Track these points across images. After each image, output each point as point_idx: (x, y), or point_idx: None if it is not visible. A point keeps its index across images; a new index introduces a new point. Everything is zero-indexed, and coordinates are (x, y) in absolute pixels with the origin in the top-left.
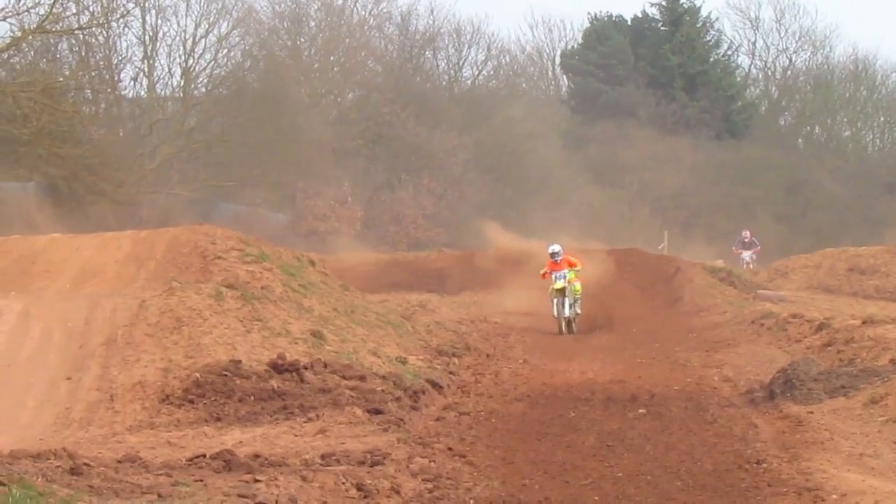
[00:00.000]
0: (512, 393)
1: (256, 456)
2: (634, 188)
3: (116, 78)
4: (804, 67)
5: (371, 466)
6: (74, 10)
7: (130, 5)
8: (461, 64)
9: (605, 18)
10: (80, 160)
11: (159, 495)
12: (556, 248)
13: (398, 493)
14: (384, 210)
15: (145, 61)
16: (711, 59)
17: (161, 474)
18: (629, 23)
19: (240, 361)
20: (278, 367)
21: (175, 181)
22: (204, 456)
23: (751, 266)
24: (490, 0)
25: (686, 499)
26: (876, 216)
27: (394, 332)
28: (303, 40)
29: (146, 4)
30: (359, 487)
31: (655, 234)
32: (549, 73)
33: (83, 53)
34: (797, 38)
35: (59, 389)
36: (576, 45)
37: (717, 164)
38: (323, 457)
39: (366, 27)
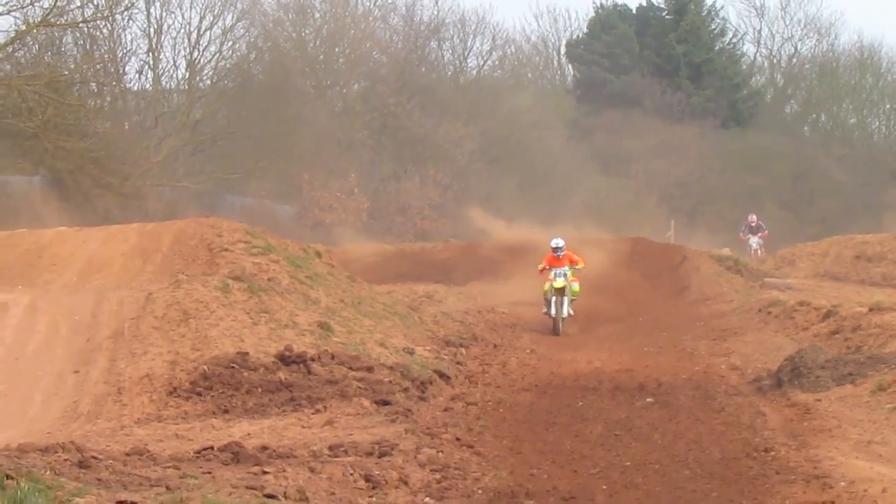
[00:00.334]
0: (519, 383)
1: (264, 448)
2: (640, 177)
3: (121, 71)
4: (809, 55)
5: (379, 457)
6: (79, 3)
7: None
8: (466, 54)
9: (610, 8)
10: (85, 153)
11: (167, 488)
12: (559, 242)
13: (406, 483)
14: (390, 201)
15: (150, 54)
16: (717, 48)
17: (169, 467)
18: (634, 12)
19: (247, 353)
20: (286, 359)
21: (181, 174)
22: (212, 448)
23: (759, 253)
24: None
25: (694, 487)
26: (882, 203)
27: (401, 323)
28: (308, 32)
29: None
30: (367, 478)
31: (662, 222)
32: (555, 62)
33: (88, 46)
34: (802, 26)
35: (66, 383)
36: (581, 35)
37: (723, 153)
38: (331, 448)
39: (370, 18)
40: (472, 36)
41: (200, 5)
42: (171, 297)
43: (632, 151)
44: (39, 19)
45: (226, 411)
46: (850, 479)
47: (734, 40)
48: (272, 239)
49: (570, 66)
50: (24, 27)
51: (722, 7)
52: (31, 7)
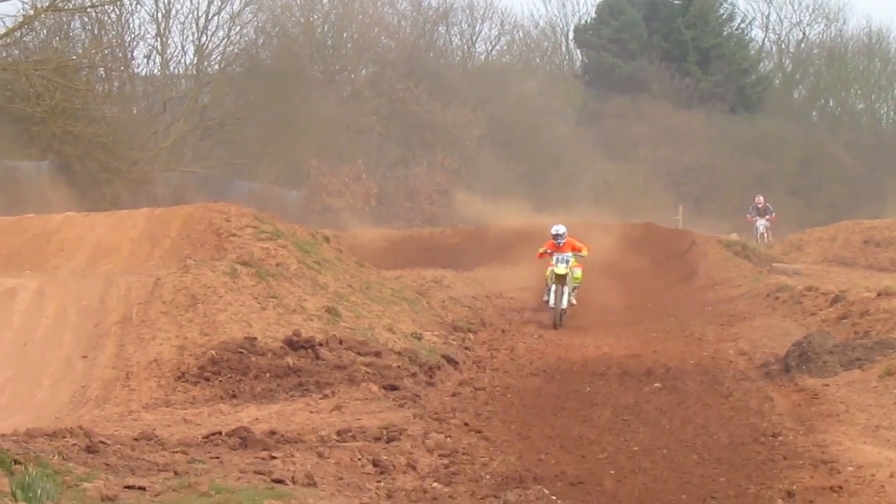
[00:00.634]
0: (527, 368)
1: (272, 433)
2: (649, 163)
3: (129, 56)
4: (818, 40)
5: (387, 442)
6: None
7: None
8: (474, 39)
9: None
10: (93, 138)
11: (175, 473)
12: (560, 228)
13: (414, 468)
14: (398, 186)
15: (158, 39)
16: (725, 33)
17: (177, 452)
18: None
19: (255, 338)
20: (293, 344)
21: (189, 159)
22: (220, 433)
23: (766, 237)
24: None
25: (702, 472)
26: (890, 189)
27: (409, 308)
28: (316, 17)
29: None
30: (375, 463)
31: (670, 208)
32: (563, 47)
33: (96, 31)
34: (810, 11)
35: (74, 368)
36: (589, 20)
37: (732, 138)
38: (339, 433)
39: (378, 3)
40: (480, 21)
41: None
42: (180, 282)
43: (640, 137)
44: (47, 4)
45: (234, 396)
46: (858, 463)
47: (742, 25)
48: (280, 224)
49: (578, 51)
50: (31, 12)
51: None
52: None
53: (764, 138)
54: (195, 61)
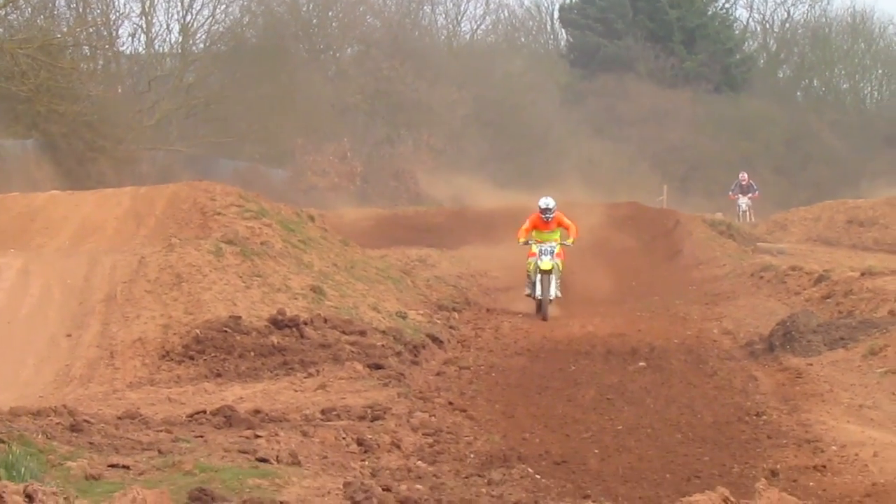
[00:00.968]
0: (512, 347)
1: (257, 412)
2: (634, 142)
3: (114, 34)
4: (802, 20)
5: (371, 421)
6: None
7: None
8: (460, 18)
9: None
10: (78, 117)
11: (160, 451)
12: (549, 202)
13: (399, 447)
14: (384, 165)
15: (143, 17)
16: (710, 13)
17: (161, 430)
18: None
19: (240, 317)
20: (278, 323)
21: (174, 137)
22: (204, 412)
23: (749, 215)
24: None
25: (686, 451)
26: (874, 168)
27: (394, 287)
28: None
29: None
30: (359, 442)
31: (655, 187)
32: (548, 27)
33: (81, 9)
34: None
35: (59, 346)
36: None
37: (717, 118)
38: (323, 412)
39: None
40: (465, 0)
41: None
42: (164, 260)
43: (625, 116)
44: None
45: (218, 375)
46: (842, 442)
47: (727, 5)
48: (265, 203)
49: (563, 30)
50: None
51: None
52: None
53: (749, 118)
54: (180, 40)
